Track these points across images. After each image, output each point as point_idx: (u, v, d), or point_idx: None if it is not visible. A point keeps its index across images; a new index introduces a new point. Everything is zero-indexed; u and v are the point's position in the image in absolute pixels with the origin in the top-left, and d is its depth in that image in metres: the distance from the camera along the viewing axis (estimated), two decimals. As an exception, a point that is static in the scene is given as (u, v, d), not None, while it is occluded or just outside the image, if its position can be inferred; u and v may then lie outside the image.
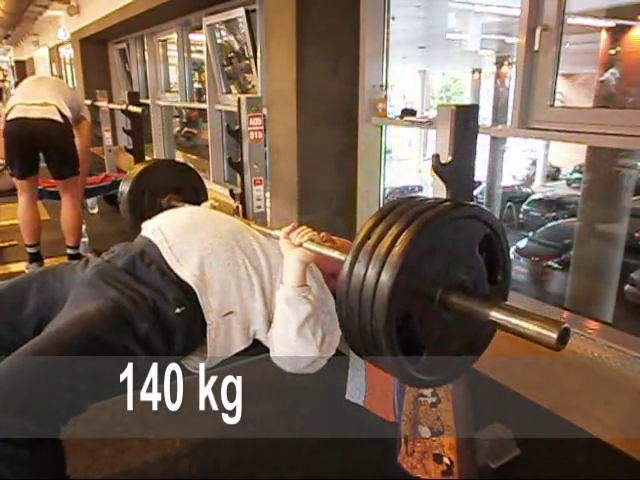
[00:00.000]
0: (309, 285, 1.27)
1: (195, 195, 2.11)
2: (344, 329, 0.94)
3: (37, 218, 3.11)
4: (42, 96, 2.90)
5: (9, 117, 2.83)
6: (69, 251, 3.18)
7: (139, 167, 2.05)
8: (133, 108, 3.70)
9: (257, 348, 1.35)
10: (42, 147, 2.97)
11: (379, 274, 0.83)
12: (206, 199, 2.12)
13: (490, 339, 1.04)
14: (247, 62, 3.72)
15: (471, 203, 0.95)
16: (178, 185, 2.08)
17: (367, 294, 0.84)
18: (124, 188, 2.02)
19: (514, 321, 0.83)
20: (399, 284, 0.82)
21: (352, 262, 0.87)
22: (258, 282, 1.30)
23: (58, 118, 2.92)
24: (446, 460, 1.18)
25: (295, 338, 1.23)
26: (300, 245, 1.26)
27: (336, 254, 1.16)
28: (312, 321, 1.24)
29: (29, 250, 3.10)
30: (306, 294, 1.25)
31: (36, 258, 3.09)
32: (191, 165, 2.24)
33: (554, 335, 0.78)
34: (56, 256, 3.20)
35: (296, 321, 1.23)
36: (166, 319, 1.19)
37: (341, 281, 0.89)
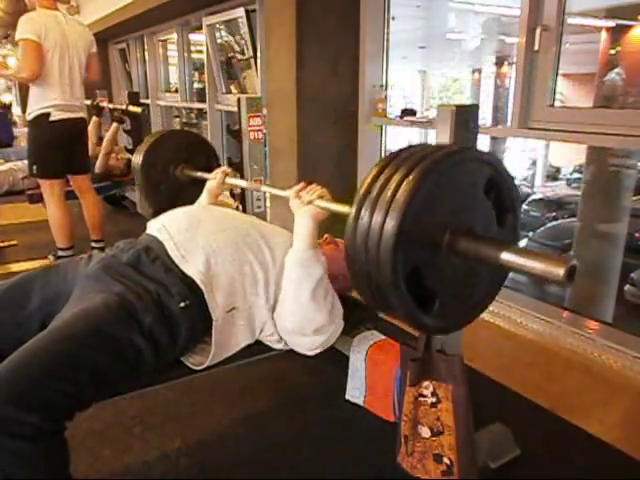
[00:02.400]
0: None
1: (206, 162, 2.11)
2: (355, 283, 0.93)
3: (72, 220, 3.13)
4: (77, 92, 2.98)
5: (55, 117, 2.84)
6: (95, 245, 3.25)
7: (150, 139, 2.04)
8: (133, 108, 3.71)
9: (257, 348, 1.35)
10: (77, 145, 3.04)
11: (383, 222, 0.83)
12: (218, 165, 2.12)
13: (503, 281, 1.04)
14: (247, 62, 3.72)
15: (474, 146, 0.94)
16: (190, 154, 2.09)
17: (373, 243, 0.84)
18: (137, 161, 2.02)
19: (523, 261, 0.84)
20: (404, 231, 0.82)
21: (356, 212, 0.87)
22: (263, 278, 1.31)
23: (85, 115, 3.08)
24: (446, 460, 1.18)
25: (308, 301, 1.24)
26: (310, 203, 1.27)
27: (346, 209, 1.17)
28: (323, 284, 1.26)
29: (64, 254, 3.07)
30: (318, 256, 1.27)
31: None
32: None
33: (561, 271, 0.78)
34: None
35: (309, 284, 1.24)
36: (170, 313, 1.19)
37: (347, 234, 0.89)
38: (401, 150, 0.92)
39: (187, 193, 1.98)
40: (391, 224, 0.82)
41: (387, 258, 0.83)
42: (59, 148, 2.92)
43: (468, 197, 0.93)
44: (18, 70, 2.88)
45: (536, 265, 0.82)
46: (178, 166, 2.05)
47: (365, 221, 0.86)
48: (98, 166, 3.80)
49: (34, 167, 2.94)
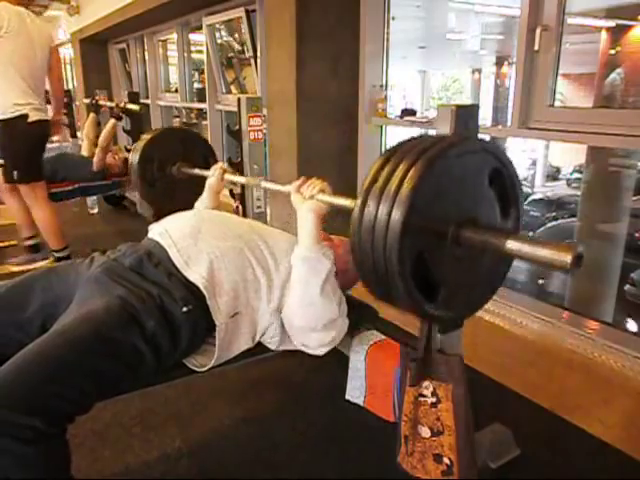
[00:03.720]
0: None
1: (204, 160, 2.12)
2: (361, 274, 0.94)
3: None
4: (41, 91, 2.89)
5: (33, 119, 2.77)
6: (56, 254, 3.05)
7: (146, 137, 2.04)
8: (131, 105, 3.73)
9: (257, 348, 1.36)
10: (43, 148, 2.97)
11: (390, 213, 0.83)
12: (215, 161, 2.12)
13: (507, 272, 1.05)
14: (247, 62, 3.72)
15: (477, 137, 0.94)
16: (186, 151, 2.09)
17: (379, 234, 0.84)
18: (134, 158, 2.02)
19: (528, 249, 0.84)
20: (410, 222, 0.82)
21: (362, 204, 0.87)
22: (266, 283, 1.31)
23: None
24: (446, 460, 1.18)
25: (318, 296, 1.24)
26: (312, 198, 1.27)
27: (348, 202, 1.17)
28: (331, 278, 1.27)
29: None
30: (324, 250, 1.27)
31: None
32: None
33: (568, 258, 0.79)
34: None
35: (318, 279, 1.24)
36: (173, 317, 1.19)
37: (353, 225, 0.89)
38: (405, 141, 0.92)
39: (185, 190, 1.98)
40: (398, 215, 0.82)
41: (394, 249, 0.83)
42: (37, 150, 2.87)
43: (472, 187, 0.93)
44: None
45: (542, 252, 0.82)
46: (175, 164, 2.05)
47: (371, 212, 0.86)
48: (95, 162, 3.76)
49: (14, 173, 2.82)
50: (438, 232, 0.90)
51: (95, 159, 3.76)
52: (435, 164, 0.84)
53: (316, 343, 1.31)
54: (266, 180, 1.58)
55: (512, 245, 0.86)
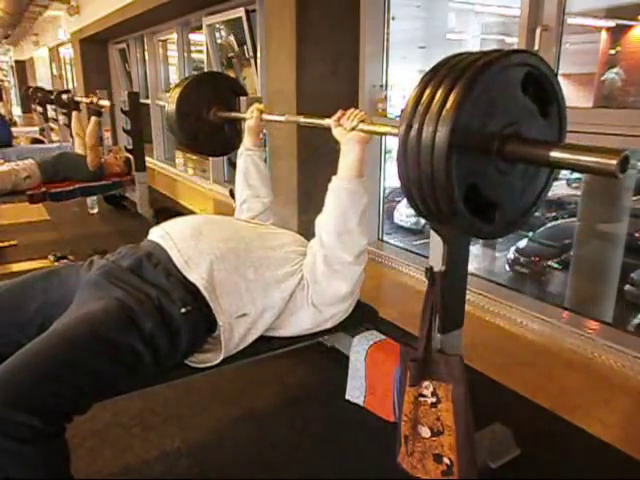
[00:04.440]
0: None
1: (237, 102, 2.12)
2: (408, 198, 0.94)
3: None
4: None
5: None
6: None
7: (177, 89, 2.04)
8: (102, 102, 3.82)
9: (257, 348, 1.36)
10: None
11: (434, 132, 0.83)
12: (246, 94, 2.13)
13: (550, 181, 1.05)
14: (247, 62, 3.72)
15: (510, 52, 0.94)
16: (218, 94, 2.08)
17: (425, 155, 0.85)
18: (170, 109, 2.03)
19: (573, 157, 0.84)
20: (455, 140, 0.83)
21: (406, 127, 0.87)
22: (272, 281, 1.32)
23: None
24: (446, 460, 1.18)
25: (356, 226, 1.28)
26: (354, 129, 1.27)
27: (389, 128, 1.19)
28: (367, 211, 1.30)
29: None
30: (365, 183, 1.29)
31: None
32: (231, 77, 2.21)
33: (614, 162, 0.78)
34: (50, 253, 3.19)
35: (356, 210, 1.27)
36: (171, 319, 1.19)
37: (399, 149, 0.89)
38: (441, 64, 0.92)
39: (222, 135, 2.04)
40: (443, 134, 0.83)
41: (441, 168, 0.84)
42: None
43: (508, 99, 0.92)
44: None
45: (587, 158, 0.82)
46: (210, 109, 2.05)
47: (415, 134, 0.86)
48: (89, 161, 3.74)
49: None
50: (482, 148, 0.90)
51: (88, 159, 3.75)
52: (476, 83, 0.84)
53: (348, 277, 1.33)
54: (304, 115, 1.60)
55: (556, 154, 0.86)
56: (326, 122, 1.37)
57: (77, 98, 4.49)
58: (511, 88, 0.92)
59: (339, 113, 1.33)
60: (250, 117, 1.76)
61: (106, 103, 3.89)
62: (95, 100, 3.98)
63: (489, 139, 0.90)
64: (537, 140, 0.95)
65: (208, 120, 2.05)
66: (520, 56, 0.93)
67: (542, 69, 0.95)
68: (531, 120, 0.96)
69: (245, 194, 1.78)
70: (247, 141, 1.78)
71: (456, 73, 0.86)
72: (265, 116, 1.76)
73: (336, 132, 1.33)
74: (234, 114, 2.00)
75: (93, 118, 3.96)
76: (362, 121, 1.27)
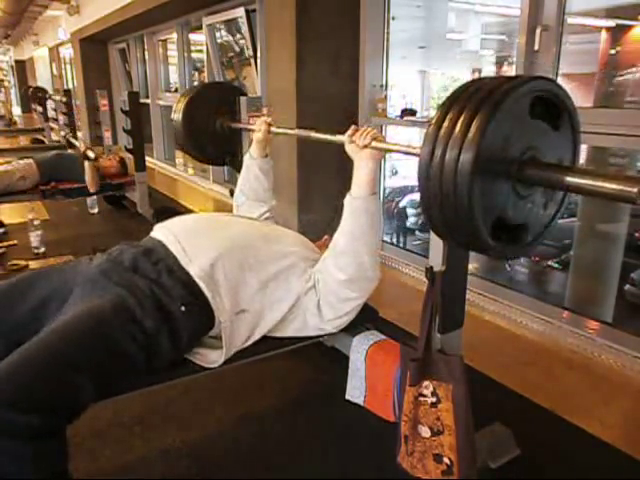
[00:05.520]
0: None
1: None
2: (429, 219, 0.96)
3: None
4: None
5: None
6: None
7: (183, 100, 2.03)
8: (88, 152, 3.79)
9: (257, 348, 1.36)
10: None
11: (458, 157, 0.85)
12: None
13: (563, 202, 1.06)
14: (247, 61, 3.72)
15: (529, 78, 0.94)
16: (225, 105, 2.09)
17: (448, 178, 0.86)
18: (177, 119, 2.02)
19: (591, 183, 0.85)
20: (478, 165, 0.84)
21: (430, 149, 0.89)
22: (273, 279, 1.33)
23: None
24: (446, 460, 1.18)
25: (374, 239, 1.30)
26: (366, 147, 1.28)
27: (404, 148, 1.21)
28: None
29: None
30: (377, 199, 1.30)
31: None
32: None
33: (635, 189, 0.78)
34: (57, 255, 3.20)
35: (376, 227, 1.30)
36: (171, 316, 1.19)
37: (421, 170, 0.90)
38: (461, 90, 0.93)
39: (228, 144, 2.04)
40: (467, 158, 0.84)
41: (464, 192, 0.85)
42: None
43: (521, 124, 0.94)
44: None
45: (606, 185, 0.82)
46: (217, 119, 2.05)
47: (438, 156, 0.87)
48: (90, 185, 3.78)
49: None
50: (503, 173, 0.92)
51: (90, 181, 3.77)
52: (499, 108, 0.86)
53: (369, 275, 1.33)
54: (316, 131, 1.59)
55: (572, 180, 0.87)
56: (339, 138, 1.37)
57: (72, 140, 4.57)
58: (523, 114, 0.93)
59: (352, 129, 1.33)
60: (258, 130, 1.75)
61: (91, 155, 3.80)
62: (83, 150, 3.91)
63: (508, 164, 0.92)
64: (554, 165, 0.96)
65: (215, 130, 2.05)
66: (538, 83, 0.94)
67: (551, 89, 0.96)
68: (545, 139, 0.97)
69: (240, 200, 1.79)
70: (252, 150, 1.78)
71: (478, 99, 0.87)
72: (274, 129, 1.75)
73: (349, 148, 1.33)
74: (242, 125, 1.99)
75: (86, 163, 3.79)
76: (375, 139, 1.28)
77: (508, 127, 0.89)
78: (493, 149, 0.87)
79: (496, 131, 0.87)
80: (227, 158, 2.14)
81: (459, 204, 0.87)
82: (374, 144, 1.27)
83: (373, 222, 1.29)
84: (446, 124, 0.88)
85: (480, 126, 0.84)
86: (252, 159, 1.76)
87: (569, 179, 0.87)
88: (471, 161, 0.84)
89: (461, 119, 0.87)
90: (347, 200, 1.31)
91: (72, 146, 4.58)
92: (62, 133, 4.65)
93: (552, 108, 0.98)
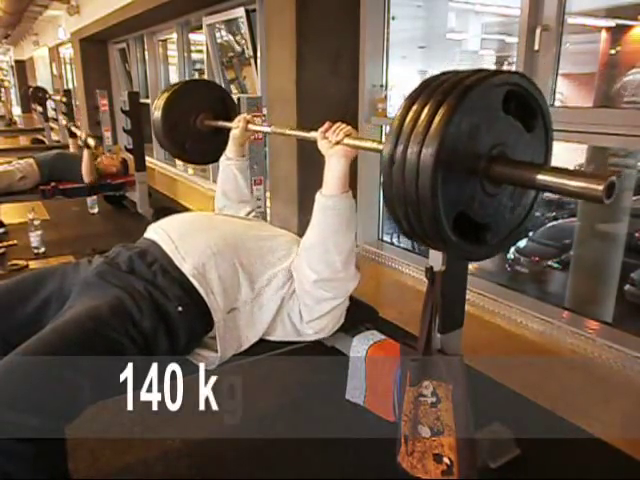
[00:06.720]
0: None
1: (224, 110, 2.08)
2: (393, 216, 0.93)
3: None
4: None
5: None
6: None
7: (165, 94, 2.01)
8: (89, 140, 3.83)
9: (257, 348, 1.36)
10: None
11: (420, 152, 0.81)
12: (236, 114, 2.06)
13: (538, 196, 1.04)
14: (247, 61, 3.72)
15: (497, 71, 0.92)
16: (207, 103, 2.05)
17: (410, 174, 0.83)
18: (156, 116, 2.00)
19: (559, 181, 0.83)
20: (441, 159, 0.81)
21: (392, 144, 0.85)
22: (266, 278, 1.33)
23: None
24: (446, 460, 1.18)
25: (349, 243, 1.27)
26: (339, 143, 1.24)
27: (374, 144, 1.17)
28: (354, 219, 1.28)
29: None
30: (350, 198, 1.27)
31: None
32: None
33: (600, 187, 0.77)
34: (57, 256, 3.20)
35: (351, 226, 1.26)
36: (168, 316, 1.20)
37: (384, 167, 0.87)
38: (426, 83, 0.90)
39: (210, 143, 1.99)
40: (428, 153, 0.81)
41: (426, 187, 0.82)
42: None
43: (491, 118, 0.91)
44: None
45: (574, 183, 0.81)
46: (198, 117, 2.02)
47: (400, 152, 0.84)
48: (86, 175, 3.75)
49: None
50: (469, 169, 0.89)
51: (85, 172, 3.76)
52: (466, 97, 0.82)
53: (349, 277, 1.31)
54: (291, 128, 1.56)
55: (543, 178, 0.85)
56: (312, 135, 1.33)
57: (74, 129, 4.55)
58: (491, 106, 0.90)
59: (326, 125, 1.29)
60: (236, 127, 1.72)
61: (91, 142, 3.84)
62: (83, 137, 3.94)
63: (476, 160, 0.89)
64: (524, 162, 0.93)
65: (196, 128, 2.02)
66: (510, 76, 0.92)
67: (523, 85, 0.93)
68: (517, 137, 0.95)
69: (221, 203, 1.75)
70: (229, 150, 1.75)
71: (442, 92, 0.84)
72: (251, 126, 1.72)
73: (321, 145, 1.29)
74: (220, 123, 1.96)
75: (85, 151, 3.83)
76: (348, 135, 1.24)
77: (476, 119, 0.86)
78: (459, 142, 0.84)
79: (463, 122, 0.83)
80: (210, 158, 2.10)
81: (421, 196, 0.83)
82: (346, 140, 1.24)
83: (343, 221, 1.25)
84: (409, 117, 0.85)
85: (445, 116, 0.81)
86: (229, 160, 1.73)
87: (540, 177, 0.85)
88: (434, 154, 0.80)
89: (425, 111, 0.83)
90: (317, 198, 1.28)
91: (73, 135, 4.52)
92: (63, 122, 4.58)
93: (527, 108, 0.96)
